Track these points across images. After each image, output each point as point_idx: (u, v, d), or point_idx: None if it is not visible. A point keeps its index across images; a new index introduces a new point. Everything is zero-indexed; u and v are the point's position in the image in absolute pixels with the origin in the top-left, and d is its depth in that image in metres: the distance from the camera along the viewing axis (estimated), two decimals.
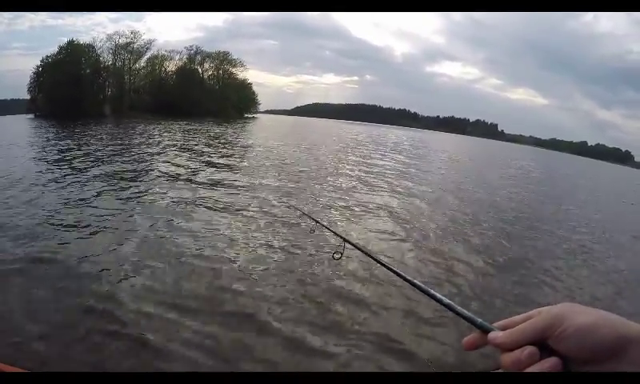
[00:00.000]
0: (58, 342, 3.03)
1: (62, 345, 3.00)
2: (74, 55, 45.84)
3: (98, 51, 49.83)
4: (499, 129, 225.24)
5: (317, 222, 1.67)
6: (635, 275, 6.29)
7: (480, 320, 0.52)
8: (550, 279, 5.41)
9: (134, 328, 3.26)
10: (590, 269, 6.26)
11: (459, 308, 0.55)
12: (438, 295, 0.60)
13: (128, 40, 52.47)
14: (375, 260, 0.89)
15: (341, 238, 1.11)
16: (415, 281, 0.67)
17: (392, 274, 0.75)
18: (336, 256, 1.11)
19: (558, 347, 0.45)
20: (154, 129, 26.23)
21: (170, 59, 59.65)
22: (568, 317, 0.45)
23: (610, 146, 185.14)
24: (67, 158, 12.10)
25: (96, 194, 7.61)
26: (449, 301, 0.57)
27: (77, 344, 3.02)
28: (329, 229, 1.45)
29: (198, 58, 62.21)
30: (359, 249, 1.02)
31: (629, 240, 8.99)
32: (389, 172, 14.33)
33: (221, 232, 5.64)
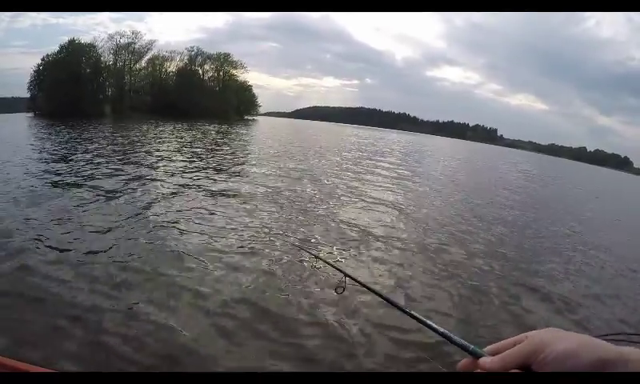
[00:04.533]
0: None
1: None
2: (74, 54, 46.03)
3: (99, 51, 50.12)
4: (498, 134, 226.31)
5: (316, 257, 1.62)
6: None
7: (472, 346, 0.56)
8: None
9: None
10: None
11: (454, 336, 0.59)
12: (435, 325, 0.64)
13: (129, 40, 52.85)
14: (375, 293, 0.91)
15: (341, 272, 1.11)
16: (413, 312, 0.71)
17: (393, 307, 0.79)
18: (338, 290, 1.11)
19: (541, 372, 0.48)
20: (152, 130, 26.34)
21: (171, 60, 59.98)
22: (550, 343, 0.48)
23: (609, 152, 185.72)
24: (62, 157, 12.21)
25: (82, 199, 7.39)
26: (444, 330, 0.62)
27: None
28: (329, 263, 1.44)
29: (199, 59, 62.40)
30: (360, 283, 1.02)
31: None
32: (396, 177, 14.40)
33: (202, 264, 5.02)
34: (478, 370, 0.53)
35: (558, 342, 0.47)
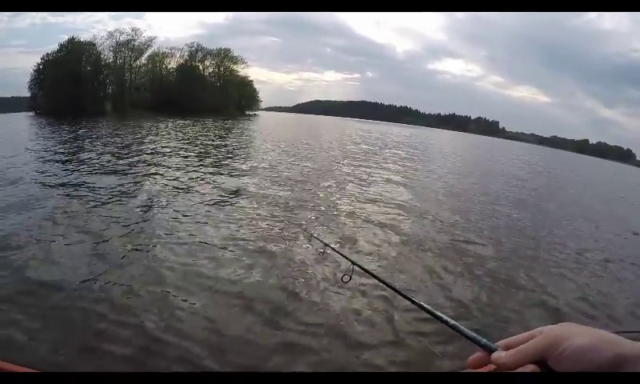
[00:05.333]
0: None
1: None
2: (74, 53, 45.90)
3: (99, 49, 49.90)
4: (500, 126, 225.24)
5: (326, 245, 1.66)
6: None
7: (484, 340, 0.53)
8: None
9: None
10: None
11: (464, 329, 0.57)
12: (444, 317, 0.62)
13: (129, 37, 52.49)
14: (383, 282, 0.91)
15: (349, 261, 1.12)
16: (422, 303, 0.69)
17: (401, 296, 0.79)
18: (345, 279, 1.12)
19: (557, 367, 0.46)
20: (153, 127, 26.23)
21: (171, 56, 59.69)
22: (567, 338, 0.46)
23: (612, 144, 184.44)
24: (64, 155, 12.13)
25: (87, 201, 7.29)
26: (454, 322, 0.60)
27: None
28: (338, 252, 1.47)
29: (199, 55, 62.14)
30: (367, 271, 1.02)
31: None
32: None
33: (221, 251, 5.16)
34: (491, 365, 0.51)
35: (575, 336, 0.46)
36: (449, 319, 0.61)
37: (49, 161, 11.02)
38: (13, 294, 3.69)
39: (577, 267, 6.04)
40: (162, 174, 9.78)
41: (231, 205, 7.35)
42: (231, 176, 10.18)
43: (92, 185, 8.17)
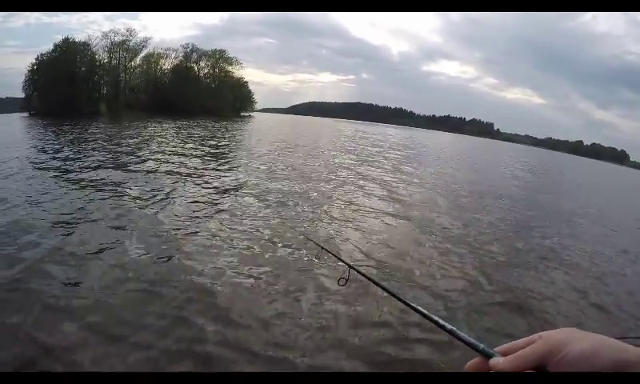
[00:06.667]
0: None
1: None
2: (69, 53, 45.46)
3: (94, 49, 49.44)
4: (495, 128, 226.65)
5: (322, 248, 1.61)
6: None
7: (482, 345, 0.52)
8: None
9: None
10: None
11: (462, 333, 0.56)
12: (441, 321, 0.61)
13: (123, 38, 52.19)
14: (379, 286, 0.90)
15: (346, 264, 1.10)
16: (419, 307, 0.68)
17: (397, 300, 0.78)
18: (341, 282, 1.12)
19: None
20: (147, 128, 26.01)
21: (166, 57, 59.46)
22: (567, 343, 0.46)
23: (606, 146, 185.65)
24: (56, 157, 11.93)
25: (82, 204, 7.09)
26: (451, 327, 0.58)
27: None
28: (334, 255, 1.43)
29: (194, 56, 61.97)
30: (363, 275, 1.02)
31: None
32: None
33: (212, 254, 5.03)
34: (489, 371, 0.50)
35: (576, 342, 0.46)
36: (446, 323, 0.60)
37: (45, 160, 10.87)
38: None
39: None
40: (156, 175, 9.69)
41: (224, 207, 7.25)
42: (225, 177, 10.10)
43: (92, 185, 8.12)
